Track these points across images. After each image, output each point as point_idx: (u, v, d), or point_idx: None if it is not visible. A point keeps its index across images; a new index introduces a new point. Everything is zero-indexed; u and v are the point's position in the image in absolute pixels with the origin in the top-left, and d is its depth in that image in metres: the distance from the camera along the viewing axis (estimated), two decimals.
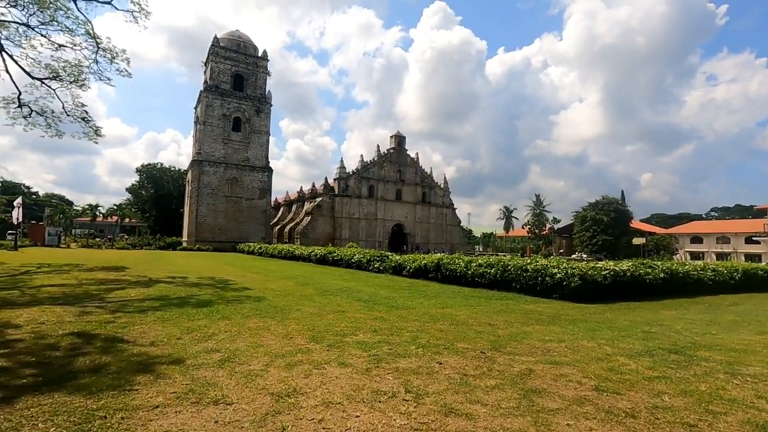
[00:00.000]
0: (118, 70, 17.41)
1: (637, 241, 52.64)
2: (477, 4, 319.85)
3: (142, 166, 72.06)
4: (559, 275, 11.70)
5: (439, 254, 17.37)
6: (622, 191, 76.09)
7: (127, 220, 69.85)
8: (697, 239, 70.15)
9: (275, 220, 66.14)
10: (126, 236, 63.56)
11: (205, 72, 55.16)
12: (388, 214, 59.44)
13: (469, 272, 14.31)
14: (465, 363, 4.97)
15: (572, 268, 11.94)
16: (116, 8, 17.58)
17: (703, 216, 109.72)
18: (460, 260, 15.25)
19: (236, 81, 53.56)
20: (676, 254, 64.88)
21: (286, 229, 58.29)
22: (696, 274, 15.01)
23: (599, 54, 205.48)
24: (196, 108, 55.89)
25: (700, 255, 64.91)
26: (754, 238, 58.21)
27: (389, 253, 20.64)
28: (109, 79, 17.71)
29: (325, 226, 54.81)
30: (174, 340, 5.58)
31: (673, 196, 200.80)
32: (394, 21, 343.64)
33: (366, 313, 8.17)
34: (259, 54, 55.87)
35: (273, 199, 78.58)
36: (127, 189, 73.96)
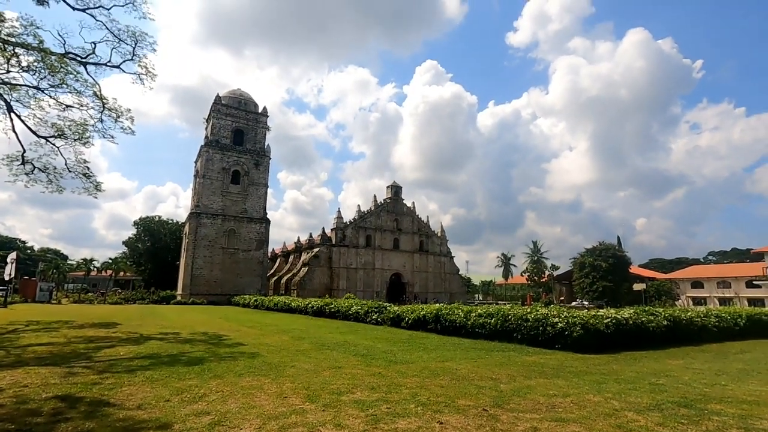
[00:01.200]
0: (122, 128, 18.00)
1: (638, 286, 52.07)
2: (466, 63, 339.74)
3: (139, 219, 72.20)
4: (560, 325, 11.47)
5: (438, 305, 17.08)
6: (618, 237, 76.39)
7: (121, 273, 68.90)
8: (697, 284, 69.44)
9: (272, 271, 65.44)
10: (119, 290, 62.39)
11: (206, 128, 56.97)
12: (386, 263, 59.01)
13: (469, 323, 14.01)
14: (467, 422, 4.75)
15: (573, 317, 11.74)
16: (124, 71, 18.52)
17: (701, 260, 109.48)
18: (460, 310, 14.99)
19: (236, 136, 55.19)
20: (678, 300, 64.00)
21: (283, 281, 57.50)
22: (700, 320, 14.76)
23: (585, 106, 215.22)
24: (196, 162, 57.09)
25: (702, 300, 63.99)
26: (755, 282, 57.71)
27: (387, 304, 20.27)
28: (112, 137, 18.23)
29: (323, 277, 54.16)
30: (162, 402, 5.33)
31: (670, 240, 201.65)
32: (389, 78, 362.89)
33: (364, 369, 7.89)
34: (259, 110, 58.04)
35: (270, 250, 78.35)
36: (123, 242, 73.62)
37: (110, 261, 65.54)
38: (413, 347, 11.30)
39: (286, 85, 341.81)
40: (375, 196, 60.99)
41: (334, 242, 55.45)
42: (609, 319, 11.93)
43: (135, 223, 72.58)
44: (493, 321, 13.32)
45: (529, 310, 13.14)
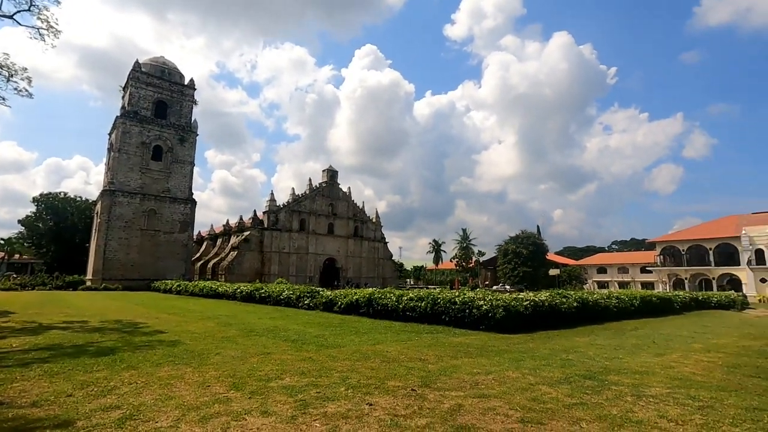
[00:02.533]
0: (16, 89, 15.64)
1: (553, 272, 57.05)
2: (405, 51, 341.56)
3: (40, 195, 63.68)
4: (485, 307, 12.14)
5: (370, 289, 17.25)
6: (538, 226, 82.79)
7: (17, 256, 60.73)
8: (602, 270, 77.72)
9: (197, 255, 61.87)
10: (14, 275, 55.22)
11: (123, 97, 51.61)
12: (320, 248, 58.44)
13: (401, 306, 14.35)
14: (396, 402, 4.83)
15: (497, 300, 12.47)
16: (19, 23, 16.03)
17: (606, 249, 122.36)
18: (392, 294, 15.27)
19: (158, 108, 50.68)
20: (586, 284, 71.08)
21: (210, 265, 54.65)
22: (603, 302, 16.48)
23: (514, 101, 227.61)
24: (110, 134, 51.66)
25: (606, 284, 71.77)
26: (647, 268, 65.85)
27: (320, 289, 20.10)
28: (3, 99, 15.77)
29: (253, 262, 52.32)
30: (63, 397, 4.78)
31: (581, 230, 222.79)
32: (327, 60, 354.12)
33: (294, 354, 7.74)
34: (186, 82, 53.75)
35: (196, 233, 73.72)
36: (19, 221, 64.54)
37: (2, 241, 56.98)
38: (345, 331, 11.32)
39: (216, 57, 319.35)
40: (310, 180, 59.89)
41: (266, 225, 53.66)
42: (528, 302, 12.87)
43: (34, 200, 64.11)
44: (423, 304, 13.75)
45: (457, 293, 13.75)
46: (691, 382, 6.18)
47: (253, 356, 7.48)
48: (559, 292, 15.70)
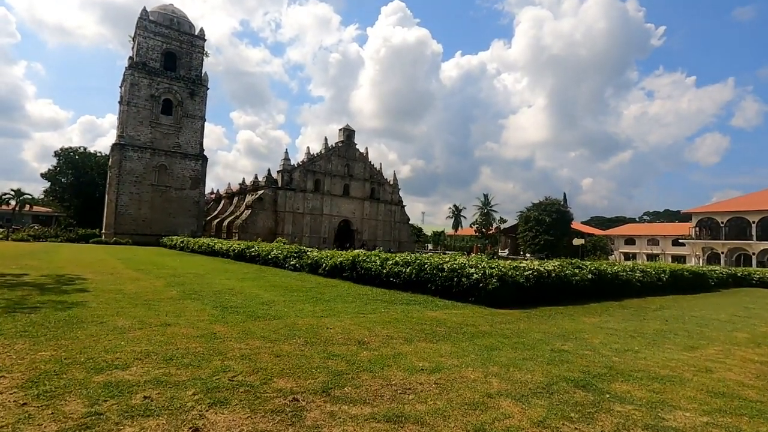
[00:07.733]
0: None
1: (577, 241, 53.86)
2: (433, 9, 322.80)
3: (60, 149, 64.17)
4: (476, 276, 10.13)
5: (356, 251, 15.46)
6: (564, 194, 78.78)
7: (27, 207, 61.92)
8: (630, 241, 73.51)
9: (215, 213, 61.82)
10: (37, 227, 56.64)
11: (132, 47, 49.97)
12: (335, 209, 57.03)
13: (384, 271, 12.52)
14: (244, 427, 2.99)
15: (491, 267, 10.41)
16: None
17: (637, 219, 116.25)
18: (377, 258, 13.45)
19: (167, 59, 48.83)
20: (612, 255, 67.46)
21: (225, 223, 54.32)
22: (625, 275, 14.16)
23: (546, 63, 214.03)
24: (121, 86, 50.54)
25: (633, 255, 67.96)
26: (680, 240, 61.51)
27: (308, 249, 18.55)
28: None
29: (267, 221, 51.53)
30: None
31: (611, 200, 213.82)
32: (352, 19, 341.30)
33: (200, 328, 6.01)
34: (195, 32, 51.44)
35: (216, 191, 73.65)
36: (42, 175, 65.79)
37: (12, 193, 57.90)
38: (306, 298, 9.61)
39: (239, 15, 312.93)
40: (326, 139, 57.65)
41: (280, 185, 52.38)
42: (530, 272, 10.76)
43: (56, 154, 64.88)
44: (408, 270, 11.86)
45: (447, 259, 11.74)
46: (741, 402, 4.07)
47: (144, 328, 5.80)
48: (572, 262, 13.43)
